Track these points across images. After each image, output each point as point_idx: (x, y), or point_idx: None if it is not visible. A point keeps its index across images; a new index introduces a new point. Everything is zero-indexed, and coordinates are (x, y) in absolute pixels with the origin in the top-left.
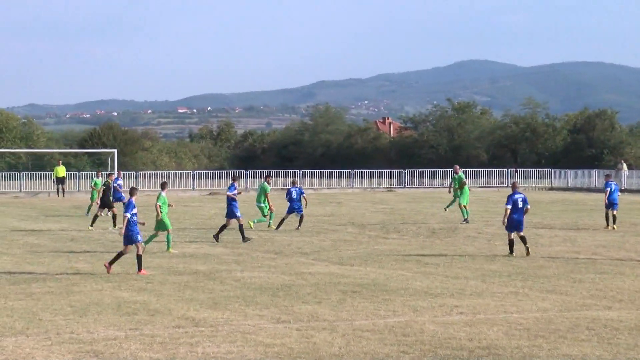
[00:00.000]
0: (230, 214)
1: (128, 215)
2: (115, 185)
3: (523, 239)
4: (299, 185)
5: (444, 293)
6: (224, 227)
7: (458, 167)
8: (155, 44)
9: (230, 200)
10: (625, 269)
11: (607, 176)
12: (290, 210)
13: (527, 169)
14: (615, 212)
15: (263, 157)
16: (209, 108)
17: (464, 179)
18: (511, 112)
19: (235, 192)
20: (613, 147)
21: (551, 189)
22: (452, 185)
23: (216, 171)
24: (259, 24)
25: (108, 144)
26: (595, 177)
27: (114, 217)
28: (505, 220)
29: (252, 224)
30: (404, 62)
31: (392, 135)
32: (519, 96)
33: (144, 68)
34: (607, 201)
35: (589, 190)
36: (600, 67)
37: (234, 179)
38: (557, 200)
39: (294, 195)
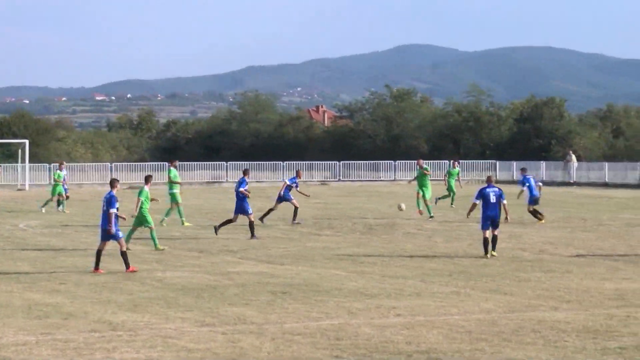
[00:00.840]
0: (240, 209)
1: (114, 210)
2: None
3: (494, 240)
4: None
5: (380, 294)
6: (229, 221)
7: (422, 160)
8: (71, 26)
9: (242, 196)
10: (573, 268)
11: (523, 170)
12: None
13: (470, 160)
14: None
15: (187, 148)
16: (128, 95)
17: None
18: (454, 100)
19: (247, 187)
20: (561, 138)
21: (496, 182)
22: (446, 178)
23: (136, 163)
24: (182, 4)
25: (19, 133)
26: (542, 169)
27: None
28: (469, 213)
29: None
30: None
31: (326, 125)
32: (462, 83)
33: (58, 52)
34: (530, 197)
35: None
36: (549, 52)
37: (245, 173)
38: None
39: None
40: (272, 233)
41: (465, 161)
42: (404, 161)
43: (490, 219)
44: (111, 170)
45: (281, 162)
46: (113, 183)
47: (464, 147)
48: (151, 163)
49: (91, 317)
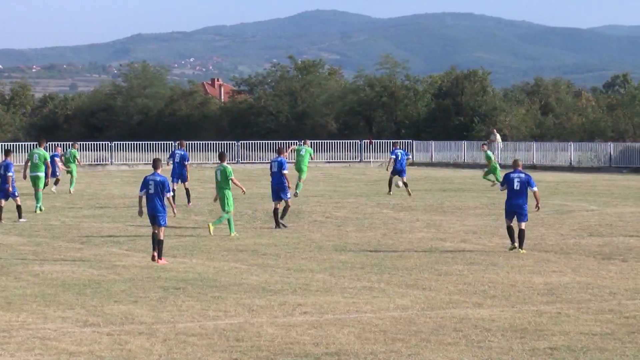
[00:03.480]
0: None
1: (141, 194)
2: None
3: (520, 235)
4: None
5: (285, 289)
6: (283, 210)
7: (309, 141)
8: None
9: (283, 180)
10: (498, 259)
11: (395, 144)
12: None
13: (384, 140)
14: (404, 178)
15: (66, 127)
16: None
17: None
18: (365, 73)
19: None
20: (485, 115)
21: (412, 164)
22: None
23: (8, 143)
24: None
25: None
26: (464, 150)
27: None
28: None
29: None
30: (237, 13)
31: (223, 100)
32: (375, 53)
33: None
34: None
35: (457, 165)
36: (470, 19)
37: (280, 152)
38: (419, 178)
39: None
40: None
41: (379, 141)
42: (311, 141)
43: (514, 208)
44: None
45: (172, 142)
46: (156, 163)
47: (377, 126)
48: (26, 143)
49: None
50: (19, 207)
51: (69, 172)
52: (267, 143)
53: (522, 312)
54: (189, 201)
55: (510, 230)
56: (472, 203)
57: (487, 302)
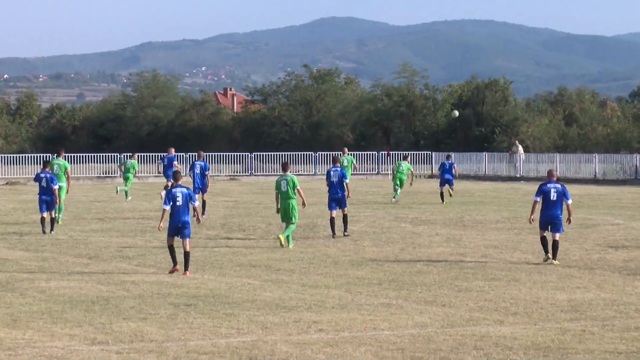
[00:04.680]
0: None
1: (167, 208)
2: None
3: (555, 245)
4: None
5: (299, 306)
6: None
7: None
8: None
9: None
10: (520, 275)
11: (448, 156)
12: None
13: (403, 152)
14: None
15: (74, 138)
16: (5, 76)
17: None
18: (382, 82)
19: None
20: (506, 125)
21: (431, 176)
22: (394, 172)
23: (15, 155)
24: None
25: None
26: (485, 161)
27: None
28: (531, 217)
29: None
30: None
31: (235, 110)
32: (392, 62)
33: None
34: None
35: (477, 178)
36: (491, 27)
37: (336, 161)
38: (438, 191)
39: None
40: None
41: (397, 152)
42: (325, 152)
43: (549, 218)
44: None
45: (184, 154)
46: (176, 176)
47: (394, 137)
48: (33, 155)
49: None
50: (52, 220)
51: (126, 181)
52: (281, 155)
53: (545, 330)
54: (203, 213)
55: (544, 240)
56: (493, 216)
57: (508, 320)
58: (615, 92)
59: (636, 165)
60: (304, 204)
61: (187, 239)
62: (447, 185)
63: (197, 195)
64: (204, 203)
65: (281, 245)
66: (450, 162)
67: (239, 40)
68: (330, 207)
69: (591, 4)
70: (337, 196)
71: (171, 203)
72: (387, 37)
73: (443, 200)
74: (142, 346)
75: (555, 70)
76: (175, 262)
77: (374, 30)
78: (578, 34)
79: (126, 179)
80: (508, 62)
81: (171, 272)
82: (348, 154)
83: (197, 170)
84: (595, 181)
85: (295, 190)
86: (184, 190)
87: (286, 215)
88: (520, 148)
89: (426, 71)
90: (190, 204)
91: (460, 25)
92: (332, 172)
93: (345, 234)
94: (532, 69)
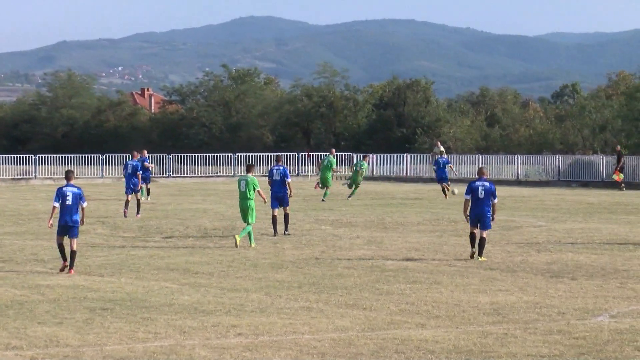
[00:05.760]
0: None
1: (57, 205)
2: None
3: (481, 242)
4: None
5: (218, 309)
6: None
7: (334, 150)
8: None
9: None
10: (442, 278)
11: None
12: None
13: (323, 153)
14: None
15: None
16: None
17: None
18: (302, 82)
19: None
20: (428, 126)
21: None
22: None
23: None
24: None
25: None
26: (406, 163)
27: None
28: (466, 214)
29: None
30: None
31: (153, 111)
32: (312, 62)
33: None
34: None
35: (399, 179)
36: (412, 26)
37: (279, 159)
38: (359, 192)
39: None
40: (90, 239)
41: (317, 153)
42: (245, 154)
43: (478, 216)
44: None
45: (100, 155)
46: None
47: (315, 138)
48: None
49: None
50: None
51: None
52: (200, 156)
53: (467, 333)
54: (138, 212)
55: (472, 235)
56: (415, 219)
57: (430, 323)
58: (538, 93)
59: (559, 167)
60: (264, 201)
61: (75, 239)
62: (443, 182)
63: (130, 196)
64: (138, 202)
65: (236, 245)
66: (444, 159)
67: (156, 40)
68: (273, 206)
69: (513, 4)
70: (279, 195)
71: (61, 201)
72: (307, 36)
73: (446, 195)
74: (57, 351)
75: (477, 71)
76: (64, 259)
77: (293, 30)
78: (500, 34)
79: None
80: (430, 63)
81: (62, 269)
82: (334, 155)
83: (130, 170)
84: (517, 183)
85: (256, 192)
86: (75, 189)
87: (244, 216)
88: (442, 149)
89: (347, 71)
90: (80, 205)
91: (381, 25)
92: (274, 171)
93: (286, 232)
94: (453, 70)
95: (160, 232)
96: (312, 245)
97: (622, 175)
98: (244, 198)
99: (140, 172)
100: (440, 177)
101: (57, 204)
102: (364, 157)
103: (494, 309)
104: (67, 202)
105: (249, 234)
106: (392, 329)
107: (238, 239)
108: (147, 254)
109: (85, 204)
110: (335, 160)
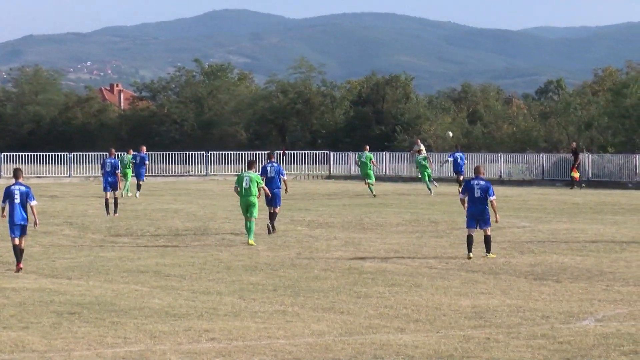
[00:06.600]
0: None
1: (5, 205)
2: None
3: (487, 240)
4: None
5: (190, 313)
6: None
7: (367, 146)
8: None
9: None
10: (422, 280)
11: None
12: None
13: (298, 151)
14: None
15: None
16: None
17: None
18: (278, 78)
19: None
20: (408, 124)
21: (329, 177)
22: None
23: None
24: None
25: None
26: (385, 161)
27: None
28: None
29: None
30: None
31: (123, 108)
32: (288, 57)
33: None
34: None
35: (378, 178)
36: (391, 20)
37: (270, 156)
38: (336, 192)
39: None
40: (57, 241)
41: (293, 152)
42: (218, 152)
43: (475, 216)
44: None
45: (67, 153)
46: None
47: (290, 135)
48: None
49: None
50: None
51: (124, 177)
52: (171, 154)
53: (448, 338)
54: (115, 211)
55: (470, 239)
56: (394, 219)
57: (410, 327)
58: (522, 89)
59: (543, 166)
60: (268, 195)
61: (24, 237)
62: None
63: (109, 193)
64: (115, 201)
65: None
66: (461, 154)
67: (126, 34)
68: (268, 204)
69: None
70: (272, 192)
71: (8, 200)
72: (283, 31)
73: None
74: (23, 357)
75: (459, 66)
76: (19, 260)
77: (268, 24)
78: (483, 28)
79: (125, 174)
80: (409, 58)
81: (17, 270)
82: (368, 151)
83: (108, 168)
84: (500, 182)
85: (260, 188)
86: (22, 188)
87: (247, 212)
88: (423, 147)
89: (324, 67)
90: (28, 203)
91: (359, 19)
92: (268, 168)
93: (272, 231)
94: (434, 65)
95: (130, 233)
96: (288, 246)
97: (578, 174)
98: (247, 194)
99: (130, 168)
100: (456, 170)
101: (4, 204)
102: (363, 148)
103: (475, 312)
104: (15, 201)
105: (250, 229)
106: (370, 334)
107: (252, 242)
108: (117, 255)
109: (34, 203)
110: (370, 154)
